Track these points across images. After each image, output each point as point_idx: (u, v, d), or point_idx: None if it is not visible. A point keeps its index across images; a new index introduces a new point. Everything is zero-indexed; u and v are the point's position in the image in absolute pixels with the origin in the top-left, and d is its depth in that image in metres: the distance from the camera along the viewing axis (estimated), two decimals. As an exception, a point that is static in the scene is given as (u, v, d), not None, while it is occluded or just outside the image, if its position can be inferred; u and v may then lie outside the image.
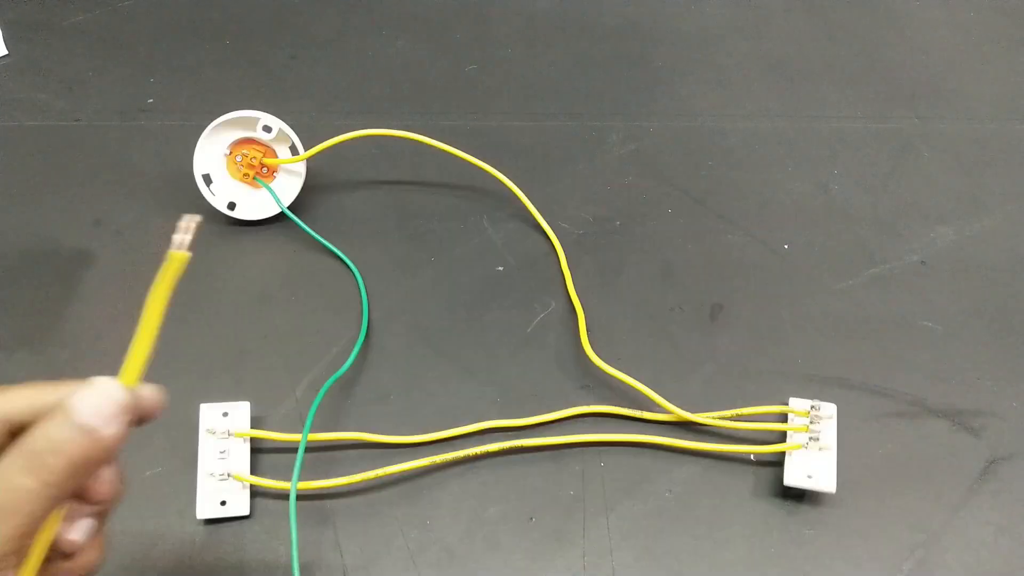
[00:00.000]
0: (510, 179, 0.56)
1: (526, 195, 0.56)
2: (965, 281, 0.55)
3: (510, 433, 0.46)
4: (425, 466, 0.44)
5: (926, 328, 0.53)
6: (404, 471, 0.44)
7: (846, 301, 0.54)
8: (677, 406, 0.46)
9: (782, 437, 0.46)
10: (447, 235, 0.56)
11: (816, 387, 0.49)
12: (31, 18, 0.68)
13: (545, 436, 0.46)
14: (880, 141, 0.64)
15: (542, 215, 0.56)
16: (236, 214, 0.54)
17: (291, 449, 0.44)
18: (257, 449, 0.44)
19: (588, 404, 0.48)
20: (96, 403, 0.26)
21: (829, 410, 0.46)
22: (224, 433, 0.43)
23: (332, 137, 0.53)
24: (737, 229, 0.57)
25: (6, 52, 0.65)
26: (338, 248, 0.54)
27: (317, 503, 0.43)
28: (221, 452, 0.42)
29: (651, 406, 0.47)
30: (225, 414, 0.43)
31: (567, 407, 0.47)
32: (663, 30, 0.71)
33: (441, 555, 0.42)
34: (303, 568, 0.41)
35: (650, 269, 0.55)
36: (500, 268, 0.54)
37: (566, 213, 0.57)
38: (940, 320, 0.53)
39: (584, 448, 0.46)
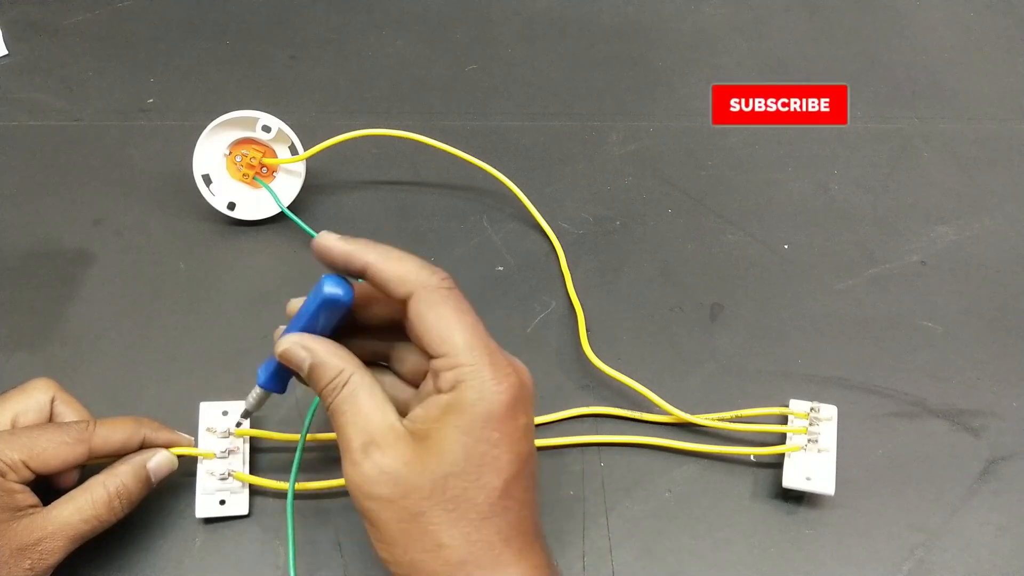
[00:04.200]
0: (510, 179, 0.56)
1: (526, 195, 0.56)
2: (965, 281, 0.55)
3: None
4: (425, 466, 0.44)
5: (926, 328, 0.53)
6: (404, 471, 0.44)
7: (846, 301, 0.54)
8: (677, 406, 0.46)
9: (782, 439, 0.46)
10: (447, 235, 0.56)
11: (816, 387, 0.49)
12: (31, 18, 0.68)
13: (545, 437, 0.46)
14: (880, 141, 0.64)
15: (542, 215, 0.56)
16: (236, 214, 0.54)
17: (291, 448, 0.44)
18: (257, 448, 0.45)
19: (588, 403, 0.48)
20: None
21: (829, 412, 0.46)
22: (224, 432, 0.43)
23: (332, 137, 0.53)
24: (737, 229, 0.57)
25: (6, 52, 0.65)
26: (338, 248, 0.54)
27: (317, 502, 0.43)
28: (221, 451, 0.42)
29: (651, 407, 0.47)
30: (225, 413, 0.43)
31: (567, 407, 0.47)
32: (663, 30, 0.71)
33: (441, 555, 0.42)
34: (304, 568, 0.41)
35: (650, 269, 0.55)
36: (500, 268, 0.54)
37: (566, 213, 0.57)
38: (940, 320, 0.53)
39: (584, 448, 0.46)
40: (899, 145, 0.63)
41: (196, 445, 0.42)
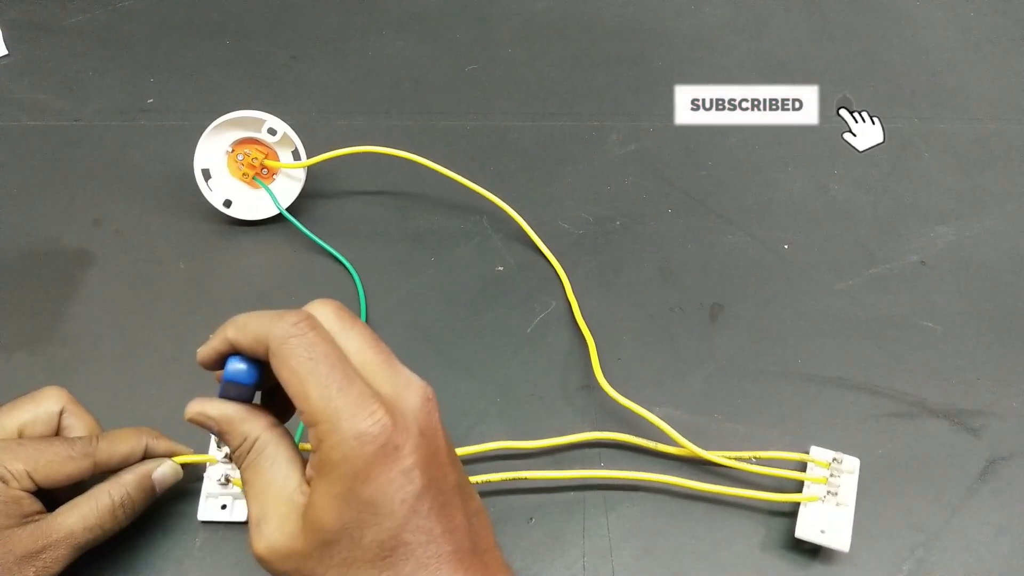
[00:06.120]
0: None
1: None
2: (965, 281, 0.55)
3: (515, 462, 0.45)
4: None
5: (926, 328, 0.53)
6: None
7: (846, 301, 0.54)
8: (677, 406, 0.46)
9: (799, 486, 0.44)
10: (447, 235, 0.56)
11: (816, 387, 0.49)
12: (31, 18, 0.68)
13: (545, 465, 0.45)
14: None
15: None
16: (232, 212, 0.54)
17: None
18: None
19: (587, 403, 0.48)
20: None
21: (851, 464, 0.44)
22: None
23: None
24: (737, 229, 0.57)
25: (6, 52, 0.65)
26: (336, 249, 0.54)
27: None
28: (222, 457, 0.42)
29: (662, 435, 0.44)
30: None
31: (567, 408, 0.47)
32: (663, 30, 0.71)
33: (441, 555, 0.42)
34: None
35: (650, 269, 0.55)
36: (500, 268, 0.54)
37: (566, 213, 0.57)
38: (940, 320, 0.53)
39: (584, 449, 0.46)
40: (899, 145, 0.64)
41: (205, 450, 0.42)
